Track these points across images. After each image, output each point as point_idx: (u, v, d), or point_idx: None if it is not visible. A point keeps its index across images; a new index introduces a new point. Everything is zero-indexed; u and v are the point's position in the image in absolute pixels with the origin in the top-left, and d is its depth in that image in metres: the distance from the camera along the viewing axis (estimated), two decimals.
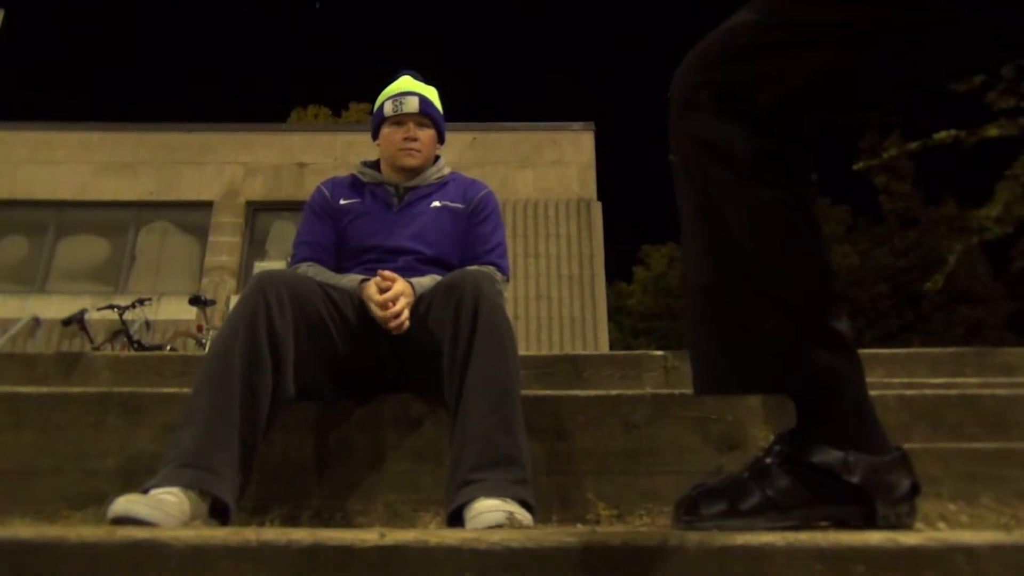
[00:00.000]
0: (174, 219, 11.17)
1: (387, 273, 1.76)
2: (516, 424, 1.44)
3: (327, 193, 2.08)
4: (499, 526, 1.19)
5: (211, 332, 7.54)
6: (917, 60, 0.96)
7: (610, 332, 10.73)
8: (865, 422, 1.07)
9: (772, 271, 1.04)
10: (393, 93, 2.12)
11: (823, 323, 1.06)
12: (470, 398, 1.44)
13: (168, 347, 7.74)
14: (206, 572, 0.85)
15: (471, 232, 2.05)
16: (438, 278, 1.83)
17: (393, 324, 1.70)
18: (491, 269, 1.95)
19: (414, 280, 1.82)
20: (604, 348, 9.97)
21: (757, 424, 1.66)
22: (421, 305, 1.74)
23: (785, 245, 1.04)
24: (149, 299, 8.38)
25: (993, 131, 6.35)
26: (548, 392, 1.78)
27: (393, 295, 1.71)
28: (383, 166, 2.12)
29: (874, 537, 0.85)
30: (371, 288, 1.75)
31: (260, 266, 10.32)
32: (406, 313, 1.72)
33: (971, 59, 1.00)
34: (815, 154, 1.07)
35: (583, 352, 7.85)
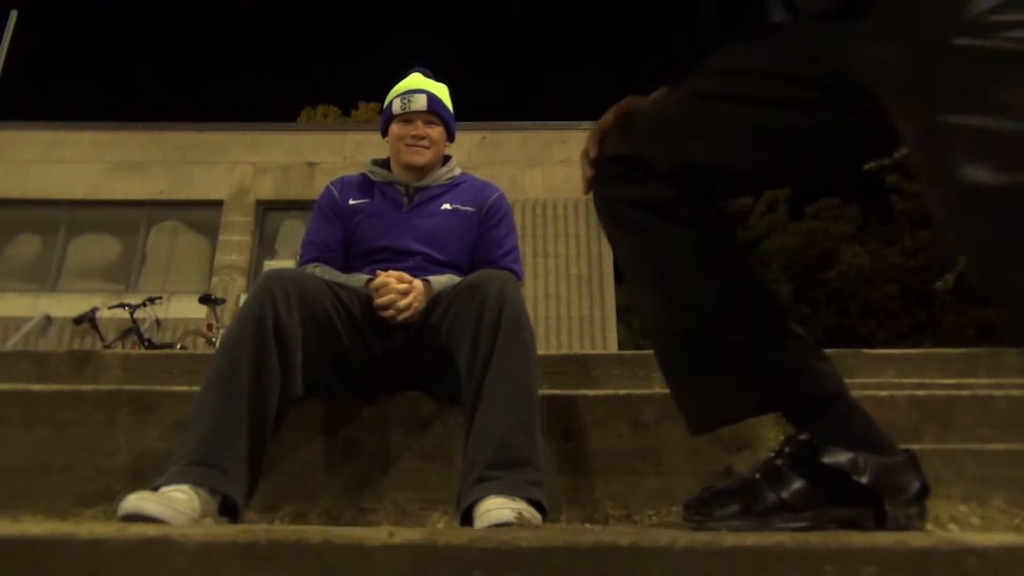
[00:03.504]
0: (185, 218, 11.22)
1: (401, 274, 1.79)
2: (534, 426, 1.43)
3: (336, 193, 2.08)
4: (507, 524, 1.19)
5: (221, 331, 7.57)
6: (783, 154, 1.11)
7: (619, 332, 10.71)
8: (865, 422, 1.08)
9: (723, 298, 1.13)
10: (402, 91, 2.12)
11: (787, 330, 1.13)
12: (490, 398, 1.44)
13: (178, 345, 7.78)
14: (216, 570, 0.85)
15: (484, 236, 2.05)
16: (456, 278, 1.84)
17: (401, 312, 1.72)
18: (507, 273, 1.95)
19: (431, 278, 1.83)
20: (613, 348, 9.96)
21: (766, 425, 1.66)
22: (440, 303, 1.73)
23: (724, 271, 1.16)
24: (160, 298, 8.42)
25: None
26: (557, 391, 1.78)
27: (397, 286, 1.75)
28: (393, 164, 2.12)
29: (884, 539, 0.85)
30: (377, 280, 1.78)
31: (270, 265, 10.36)
32: (408, 300, 1.74)
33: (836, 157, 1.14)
34: (722, 192, 1.21)
35: (592, 352, 7.84)
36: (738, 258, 1.19)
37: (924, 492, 1.05)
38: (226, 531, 0.90)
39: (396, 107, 2.11)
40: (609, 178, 1.22)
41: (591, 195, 1.26)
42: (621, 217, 1.21)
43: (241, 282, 10.52)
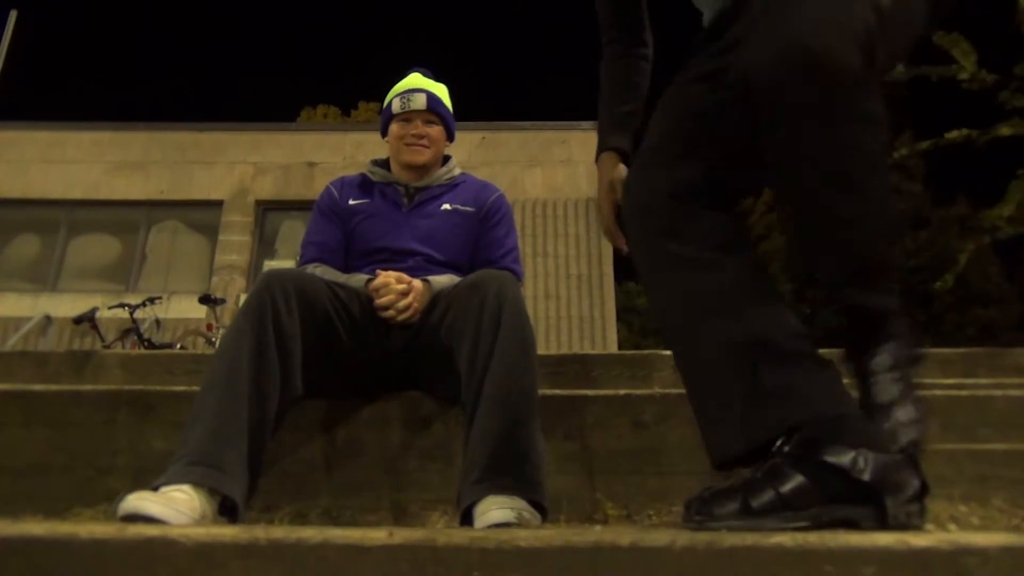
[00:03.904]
0: (184, 218, 11.23)
1: (400, 275, 1.79)
2: (534, 426, 1.43)
3: (336, 193, 2.08)
4: (507, 524, 1.19)
5: (221, 331, 7.57)
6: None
7: (619, 332, 10.72)
8: (863, 420, 1.08)
9: (763, 324, 1.14)
10: (401, 90, 2.13)
11: (809, 345, 1.14)
12: (489, 398, 1.43)
13: (178, 345, 7.79)
14: (215, 570, 0.85)
15: (484, 236, 2.05)
16: (456, 278, 1.84)
17: (400, 312, 1.72)
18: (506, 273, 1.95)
19: (431, 278, 1.83)
20: (613, 348, 9.96)
21: None
22: (440, 303, 1.73)
23: (764, 297, 1.17)
24: (159, 298, 8.43)
25: (1005, 130, 6.26)
26: (557, 392, 1.78)
27: (397, 287, 1.75)
28: (392, 164, 2.13)
29: (884, 538, 0.85)
30: (377, 280, 1.78)
31: (269, 265, 10.36)
32: (407, 300, 1.74)
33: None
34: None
35: (592, 352, 7.83)
36: (771, 284, 1.21)
37: (924, 490, 1.05)
38: (226, 531, 0.90)
39: (396, 106, 2.11)
40: (651, 209, 1.24)
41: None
42: (668, 255, 1.21)
43: (241, 282, 10.52)
